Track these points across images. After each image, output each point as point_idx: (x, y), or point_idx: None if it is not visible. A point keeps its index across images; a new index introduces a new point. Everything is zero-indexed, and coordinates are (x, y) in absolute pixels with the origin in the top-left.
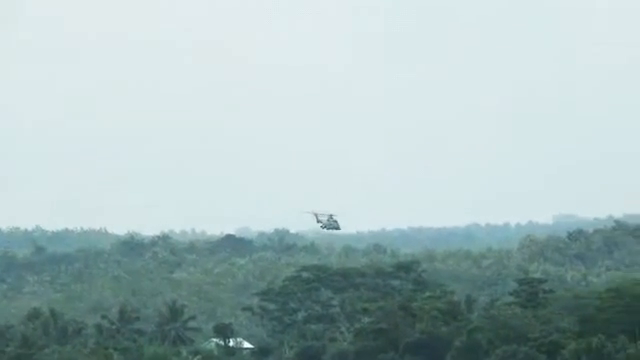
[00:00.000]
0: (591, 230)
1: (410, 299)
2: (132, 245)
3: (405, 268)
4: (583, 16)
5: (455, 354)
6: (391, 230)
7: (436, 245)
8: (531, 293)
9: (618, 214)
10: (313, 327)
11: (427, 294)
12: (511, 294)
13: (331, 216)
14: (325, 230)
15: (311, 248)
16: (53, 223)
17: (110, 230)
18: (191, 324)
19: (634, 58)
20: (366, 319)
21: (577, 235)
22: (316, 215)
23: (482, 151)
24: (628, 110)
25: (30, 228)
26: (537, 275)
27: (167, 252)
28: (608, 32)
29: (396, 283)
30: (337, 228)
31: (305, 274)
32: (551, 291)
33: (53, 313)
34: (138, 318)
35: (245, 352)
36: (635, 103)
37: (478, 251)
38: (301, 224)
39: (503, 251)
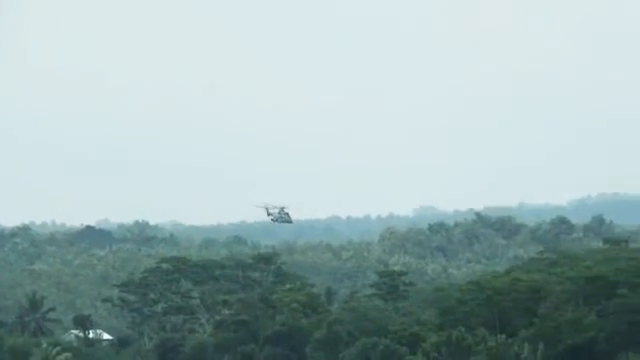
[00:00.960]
0: (452, 223)
1: (270, 291)
2: None
3: (265, 260)
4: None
5: (315, 346)
6: (251, 222)
7: (297, 237)
8: (392, 286)
9: (479, 207)
10: (173, 319)
11: (287, 286)
12: (372, 286)
13: (282, 209)
14: (277, 223)
15: (171, 240)
16: None
17: None
18: (51, 315)
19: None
20: (226, 311)
21: (438, 227)
22: (267, 208)
23: (341, 146)
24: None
25: None
26: (398, 267)
27: (27, 243)
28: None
29: (256, 275)
30: (289, 221)
31: (165, 266)
32: (411, 283)
33: None
34: None
35: (104, 343)
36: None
37: (338, 243)
38: (160, 216)
39: (364, 243)
